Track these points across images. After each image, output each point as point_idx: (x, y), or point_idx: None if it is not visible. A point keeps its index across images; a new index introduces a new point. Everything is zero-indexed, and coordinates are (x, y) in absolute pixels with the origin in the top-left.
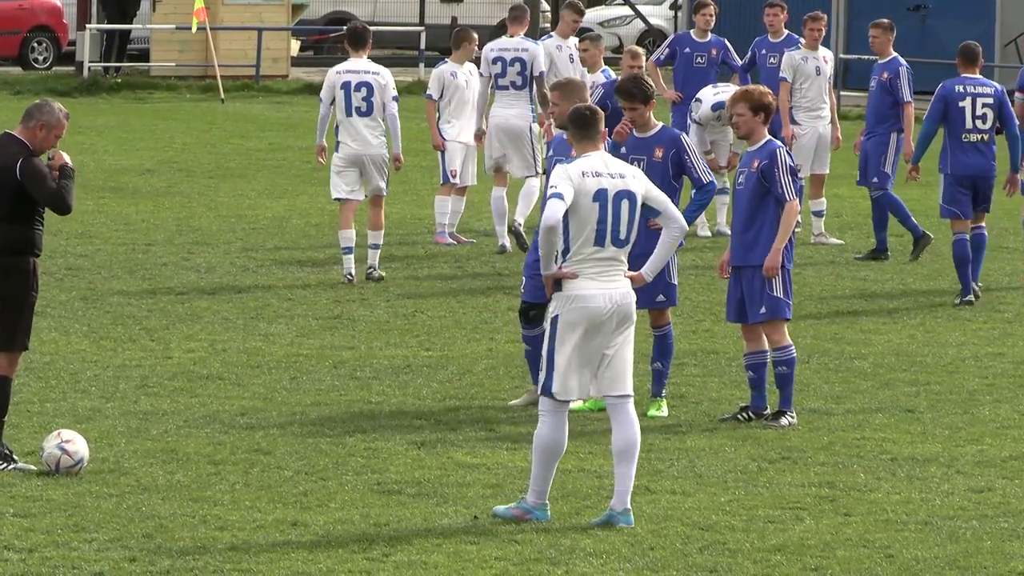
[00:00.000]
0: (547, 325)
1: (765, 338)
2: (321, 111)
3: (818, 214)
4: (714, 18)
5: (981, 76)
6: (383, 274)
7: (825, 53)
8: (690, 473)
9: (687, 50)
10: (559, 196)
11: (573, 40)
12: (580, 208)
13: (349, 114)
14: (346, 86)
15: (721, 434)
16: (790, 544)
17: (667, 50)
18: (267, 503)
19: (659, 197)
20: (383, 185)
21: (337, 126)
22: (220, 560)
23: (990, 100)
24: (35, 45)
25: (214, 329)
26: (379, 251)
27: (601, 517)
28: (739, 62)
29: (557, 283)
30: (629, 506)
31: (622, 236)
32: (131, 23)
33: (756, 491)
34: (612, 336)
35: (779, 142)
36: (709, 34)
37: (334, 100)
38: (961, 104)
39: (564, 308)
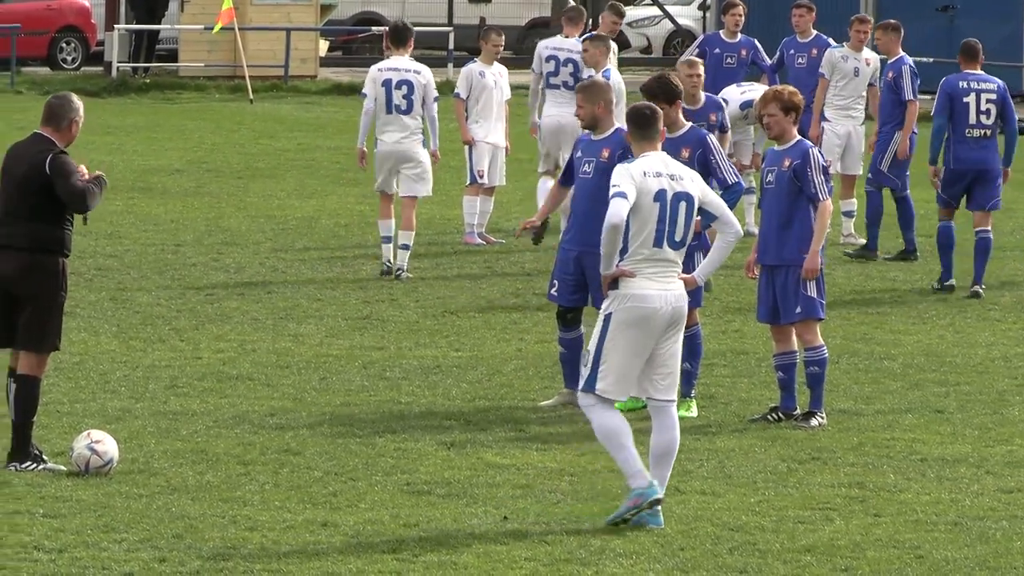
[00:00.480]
0: (599, 322)
1: (795, 338)
2: (366, 105)
3: (848, 214)
4: (743, 18)
5: (983, 72)
6: (411, 275)
7: (869, 56)
8: (720, 474)
9: (717, 50)
10: (623, 195)
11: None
12: (641, 208)
13: (389, 111)
14: (387, 83)
15: (751, 435)
16: (820, 545)
17: (696, 50)
18: (297, 503)
19: (716, 201)
20: (418, 186)
21: (377, 123)
22: (250, 561)
23: (993, 96)
24: (63, 45)
25: (243, 329)
26: (409, 252)
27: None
28: (768, 62)
29: (614, 281)
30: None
31: (678, 238)
32: (159, 23)
33: (786, 492)
34: (662, 337)
35: (810, 142)
36: (739, 34)
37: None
38: (966, 100)
39: (620, 306)
